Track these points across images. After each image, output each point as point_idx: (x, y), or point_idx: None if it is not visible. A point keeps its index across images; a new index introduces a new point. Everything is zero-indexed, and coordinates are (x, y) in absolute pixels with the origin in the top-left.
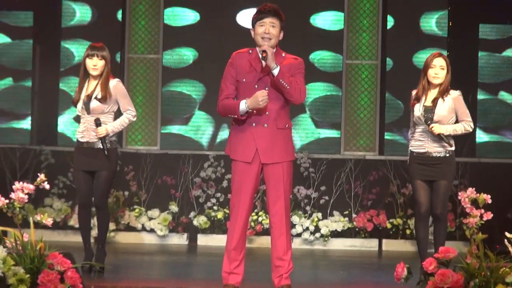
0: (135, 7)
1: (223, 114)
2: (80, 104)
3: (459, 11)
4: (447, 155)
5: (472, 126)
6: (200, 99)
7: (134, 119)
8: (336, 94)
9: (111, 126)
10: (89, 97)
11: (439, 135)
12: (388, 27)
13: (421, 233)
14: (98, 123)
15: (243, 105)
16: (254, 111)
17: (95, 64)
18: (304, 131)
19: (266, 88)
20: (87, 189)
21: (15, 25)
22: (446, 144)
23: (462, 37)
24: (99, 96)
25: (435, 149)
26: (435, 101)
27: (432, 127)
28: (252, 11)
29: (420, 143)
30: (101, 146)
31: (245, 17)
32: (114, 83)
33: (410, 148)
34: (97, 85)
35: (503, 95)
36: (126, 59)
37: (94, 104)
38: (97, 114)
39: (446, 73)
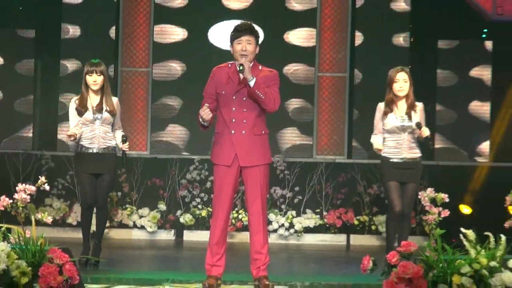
0: (127, 25)
1: (198, 124)
2: (90, 114)
3: (419, 28)
4: (418, 160)
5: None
6: (186, 109)
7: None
8: (309, 104)
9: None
10: (99, 109)
11: (426, 137)
12: (356, 42)
13: (393, 230)
14: (124, 139)
15: (199, 119)
16: (205, 123)
17: (95, 80)
18: (283, 137)
19: (237, 98)
20: (92, 191)
21: (18, 42)
22: (417, 151)
23: (422, 51)
24: (109, 109)
25: (411, 155)
26: (408, 113)
27: (422, 130)
28: (221, 26)
29: (397, 150)
30: (104, 151)
31: (215, 34)
32: (116, 101)
33: (384, 154)
34: (101, 98)
35: (460, 105)
36: (119, 72)
37: (105, 115)
38: (106, 124)
39: (410, 86)
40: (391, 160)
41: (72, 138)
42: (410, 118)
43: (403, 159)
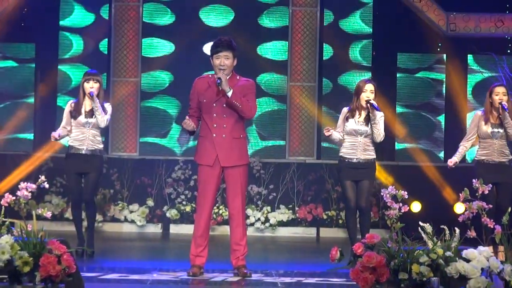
0: (118, 39)
1: (185, 132)
2: (82, 118)
3: (380, 43)
4: (372, 161)
5: (381, 139)
6: (171, 114)
7: (104, 122)
8: (282, 110)
9: (98, 101)
10: (90, 114)
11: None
12: (325, 56)
13: (351, 223)
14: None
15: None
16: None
17: (92, 86)
18: (256, 140)
19: (217, 105)
20: (79, 188)
21: (20, 54)
22: (372, 153)
23: (383, 63)
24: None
25: (365, 157)
26: (366, 119)
27: (368, 97)
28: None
29: (352, 151)
30: (91, 153)
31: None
32: (107, 104)
33: (341, 154)
34: None
35: (417, 111)
36: (111, 82)
37: (95, 120)
38: (95, 128)
39: (375, 96)
40: (346, 160)
41: (53, 139)
42: (367, 123)
43: (358, 159)
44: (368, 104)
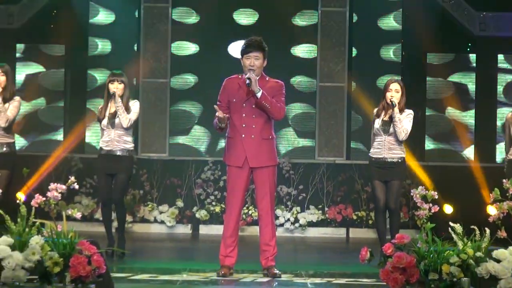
0: (147, 41)
1: (215, 127)
2: (106, 120)
3: (410, 43)
4: (399, 160)
5: (404, 137)
6: (200, 115)
7: (127, 122)
8: (311, 111)
9: (120, 101)
10: (114, 115)
11: (393, 105)
12: (353, 55)
13: (380, 223)
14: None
15: (216, 121)
16: (222, 125)
17: (116, 88)
18: (286, 141)
19: (246, 105)
20: (109, 189)
21: (50, 55)
22: (399, 152)
23: (413, 63)
24: None
25: (390, 155)
26: (390, 117)
27: (392, 96)
28: (240, 43)
29: (378, 150)
30: (120, 153)
31: (235, 49)
32: (133, 102)
33: (369, 154)
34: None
35: (448, 111)
36: (141, 83)
37: (118, 120)
38: (119, 128)
39: (401, 96)
40: (373, 160)
41: None
42: (391, 122)
43: (384, 158)
44: (389, 102)
